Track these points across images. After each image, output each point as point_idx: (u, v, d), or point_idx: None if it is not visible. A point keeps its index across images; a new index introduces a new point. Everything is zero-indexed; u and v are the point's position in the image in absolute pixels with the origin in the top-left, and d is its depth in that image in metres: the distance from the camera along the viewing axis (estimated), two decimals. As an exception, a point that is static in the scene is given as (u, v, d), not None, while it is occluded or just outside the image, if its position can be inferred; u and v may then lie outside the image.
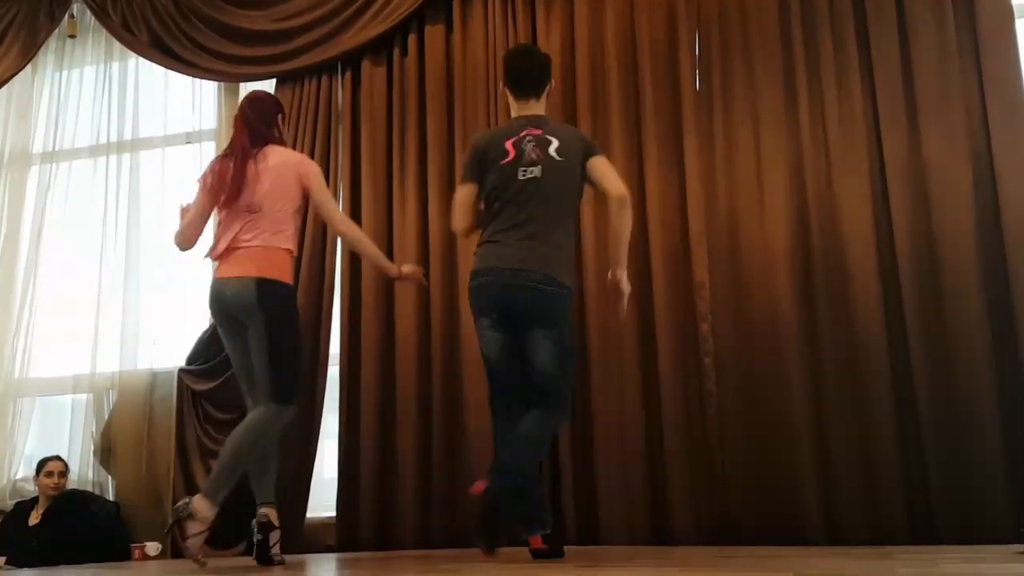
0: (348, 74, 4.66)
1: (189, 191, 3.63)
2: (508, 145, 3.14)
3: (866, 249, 3.67)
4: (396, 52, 4.58)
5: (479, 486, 2.87)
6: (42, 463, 4.42)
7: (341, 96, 4.66)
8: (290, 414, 3.39)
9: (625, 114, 4.09)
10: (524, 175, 3.07)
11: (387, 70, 4.59)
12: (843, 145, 3.79)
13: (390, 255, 4.37)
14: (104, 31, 5.08)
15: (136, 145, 5.06)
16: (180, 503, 3.20)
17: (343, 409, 4.30)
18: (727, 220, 3.90)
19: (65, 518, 4.27)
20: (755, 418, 3.71)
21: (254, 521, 3.41)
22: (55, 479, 4.37)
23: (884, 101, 3.77)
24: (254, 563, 3.31)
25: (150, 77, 5.12)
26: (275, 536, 3.39)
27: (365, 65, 4.61)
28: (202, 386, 4.50)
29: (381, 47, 4.60)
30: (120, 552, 4.31)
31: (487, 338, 3.10)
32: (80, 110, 5.18)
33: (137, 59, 5.08)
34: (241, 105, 3.57)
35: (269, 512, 3.40)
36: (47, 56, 5.27)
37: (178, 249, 3.59)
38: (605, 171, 3.12)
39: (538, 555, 3.02)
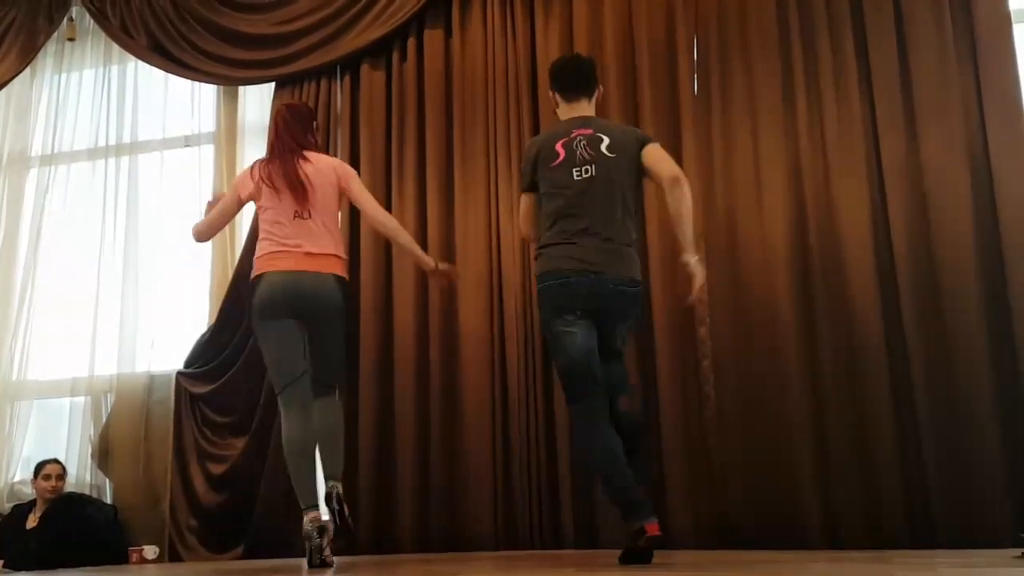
0: (347, 78, 4.65)
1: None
2: (559, 147, 3.12)
3: (864, 251, 3.68)
4: (395, 56, 4.58)
5: (654, 527, 2.75)
6: (40, 466, 4.41)
7: (340, 100, 4.65)
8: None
9: (624, 115, 4.09)
10: (579, 175, 3.06)
11: (386, 74, 4.59)
12: (841, 147, 3.79)
13: (390, 258, 4.37)
14: (103, 34, 5.09)
15: (135, 148, 5.06)
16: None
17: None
18: (725, 221, 3.90)
19: (63, 521, 4.26)
20: (753, 420, 3.70)
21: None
22: (52, 482, 4.36)
23: (882, 103, 3.78)
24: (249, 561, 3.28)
25: (149, 80, 5.11)
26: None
27: (364, 69, 4.61)
28: (200, 389, 4.50)
29: (380, 51, 4.60)
30: (118, 555, 4.31)
31: (567, 336, 3.00)
32: (79, 113, 5.18)
33: (136, 62, 5.08)
34: (280, 111, 3.65)
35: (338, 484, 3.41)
36: (46, 59, 5.26)
37: (194, 239, 3.70)
38: (657, 156, 3.10)
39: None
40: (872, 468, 3.51)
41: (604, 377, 3.00)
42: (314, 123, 3.68)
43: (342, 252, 3.53)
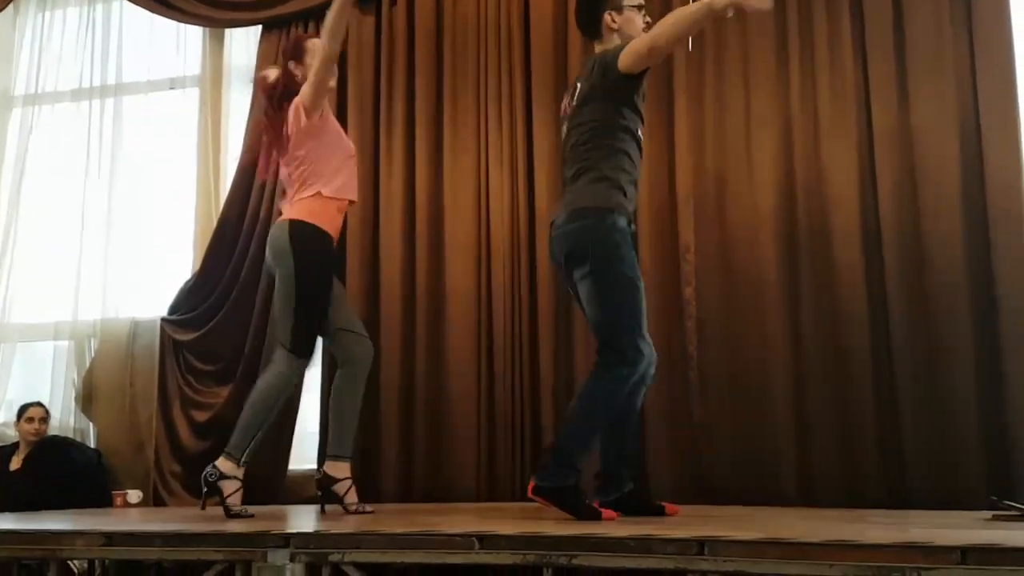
0: (335, 23, 4.56)
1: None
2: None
3: (851, 214, 3.68)
4: (385, 1, 4.49)
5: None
6: (23, 409, 4.41)
7: (328, 46, 4.57)
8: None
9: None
10: (563, 134, 3.06)
11: (375, 19, 4.50)
12: (832, 110, 3.78)
13: (376, 206, 4.33)
14: (87, -29, 4.98)
15: (120, 90, 4.98)
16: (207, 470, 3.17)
17: (325, 363, 4.29)
18: (714, 181, 3.89)
19: (46, 464, 4.28)
20: (735, 380, 3.73)
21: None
22: (36, 425, 4.37)
23: (875, 68, 3.75)
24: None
25: (134, 21, 5.01)
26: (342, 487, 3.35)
27: (353, 13, 4.52)
28: (184, 336, 4.48)
29: (370, -5, 4.52)
30: (101, 498, 4.32)
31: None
32: (63, 52, 5.07)
33: (121, 1, 4.98)
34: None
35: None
36: (29, -5, 5.16)
37: None
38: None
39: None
40: (850, 430, 3.56)
41: None
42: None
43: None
